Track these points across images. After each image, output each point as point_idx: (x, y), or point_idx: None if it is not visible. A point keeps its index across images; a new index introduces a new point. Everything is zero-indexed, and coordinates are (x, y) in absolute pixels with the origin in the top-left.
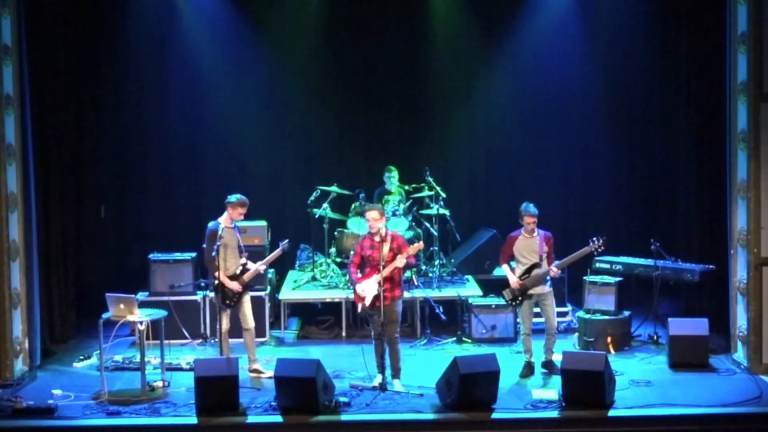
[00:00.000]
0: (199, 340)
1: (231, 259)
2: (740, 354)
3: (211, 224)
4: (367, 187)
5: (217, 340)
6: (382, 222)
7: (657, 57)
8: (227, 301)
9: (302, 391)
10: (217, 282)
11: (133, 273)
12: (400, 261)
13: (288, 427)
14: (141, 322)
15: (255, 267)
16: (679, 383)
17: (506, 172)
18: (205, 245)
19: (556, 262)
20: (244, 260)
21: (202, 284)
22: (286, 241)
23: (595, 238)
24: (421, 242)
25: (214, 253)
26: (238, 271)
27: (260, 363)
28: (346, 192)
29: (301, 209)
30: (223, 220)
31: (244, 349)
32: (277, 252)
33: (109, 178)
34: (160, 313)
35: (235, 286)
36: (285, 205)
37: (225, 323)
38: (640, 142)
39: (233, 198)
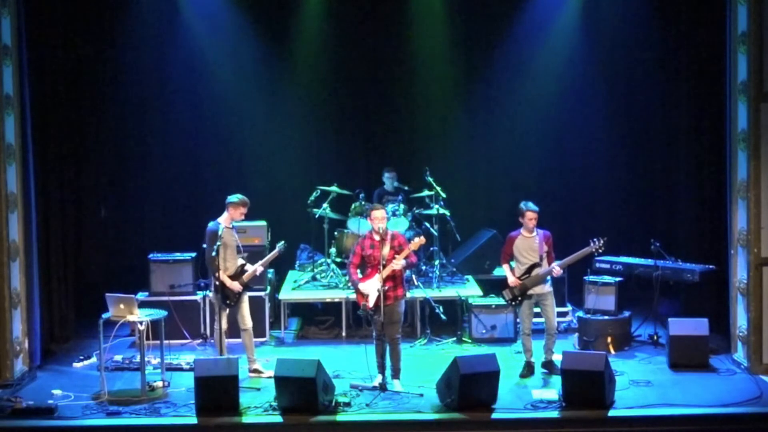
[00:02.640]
0: (199, 340)
1: (231, 260)
2: (740, 354)
3: (211, 224)
4: (367, 187)
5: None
6: (385, 222)
7: (657, 57)
8: (227, 301)
9: (302, 391)
10: (217, 282)
11: (133, 273)
12: (397, 264)
13: (288, 427)
14: (141, 322)
15: (253, 268)
16: (679, 383)
17: (506, 172)
18: (205, 245)
19: (557, 262)
20: (242, 261)
21: (202, 284)
22: (283, 243)
23: (595, 239)
24: (422, 237)
25: (214, 253)
26: (238, 272)
27: (260, 363)
28: (346, 192)
29: (301, 209)
30: (223, 220)
31: (242, 349)
32: (273, 253)
33: (109, 178)
34: (160, 313)
35: (235, 286)
36: (285, 205)
37: (224, 323)
38: (640, 141)
39: (234, 198)
